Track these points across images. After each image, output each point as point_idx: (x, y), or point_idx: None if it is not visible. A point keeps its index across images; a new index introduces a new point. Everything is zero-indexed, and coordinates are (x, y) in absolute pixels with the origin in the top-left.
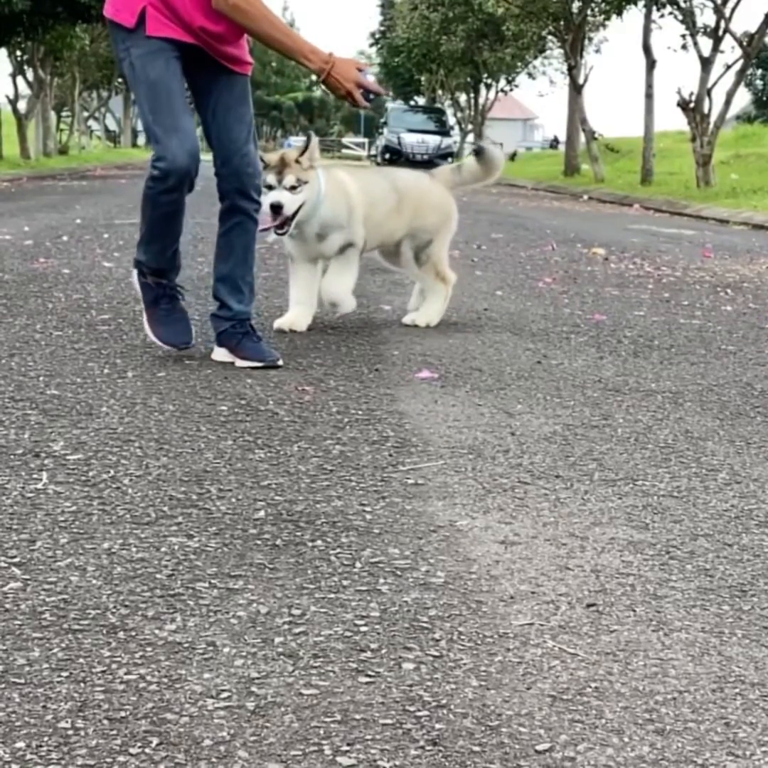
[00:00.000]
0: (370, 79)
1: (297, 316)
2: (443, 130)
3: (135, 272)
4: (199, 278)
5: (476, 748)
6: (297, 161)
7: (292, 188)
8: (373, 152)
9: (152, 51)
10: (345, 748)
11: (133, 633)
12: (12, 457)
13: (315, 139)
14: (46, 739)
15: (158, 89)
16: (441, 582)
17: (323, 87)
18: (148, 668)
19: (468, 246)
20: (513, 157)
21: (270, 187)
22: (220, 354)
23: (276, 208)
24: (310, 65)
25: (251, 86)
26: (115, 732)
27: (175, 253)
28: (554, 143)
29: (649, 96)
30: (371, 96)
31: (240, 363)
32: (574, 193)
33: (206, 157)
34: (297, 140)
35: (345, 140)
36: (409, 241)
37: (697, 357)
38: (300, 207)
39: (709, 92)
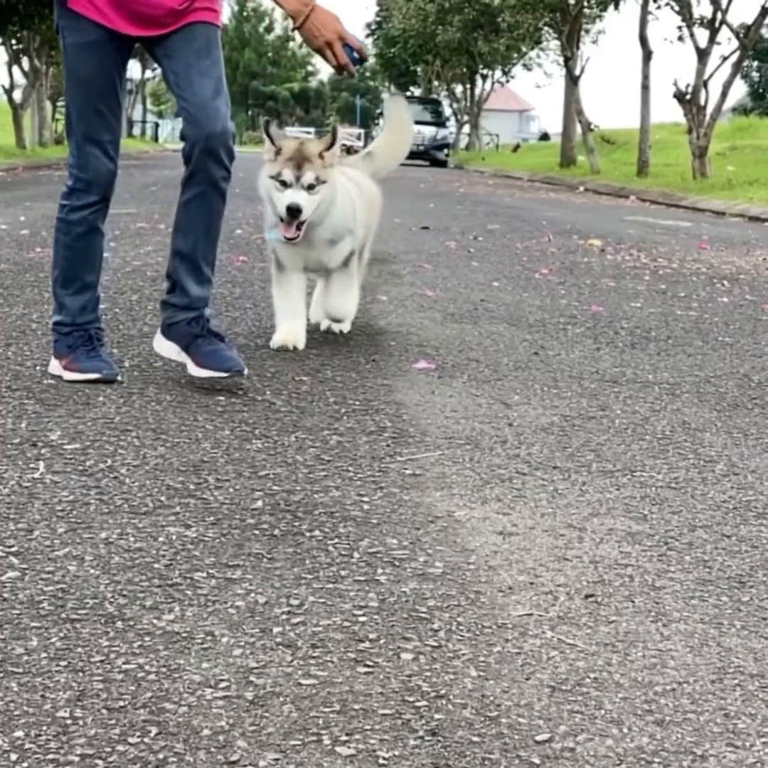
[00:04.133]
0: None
1: (298, 332)
2: (439, 121)
3: (53, 361)
4: None
5: (475, 739)
6: (320, 156)
7: (310, 187)
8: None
9: (85, 43)
10: (344, 738)
11: (132, 623)
12: (9, 446)
13: (340, 134)
14: (44, 728)
15: (87, 89)
16: (439, 572)
17: (299, 36)
18: (147, 658)
19: (464, 237)
20: (516, 148)
21: (284, 184)
22: (167, 348)
23: (294, 212)
24: (286, 5)
25: (247, 77)
26: (113, 721)
27: (96, 306)
28: (544, 137)
29: (645, 87)
30: (355, 54)
31: (197, 372)
32: (570, 184)
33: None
34: (293, 131)
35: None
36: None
37: (694, 348)
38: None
39: (705, 84)
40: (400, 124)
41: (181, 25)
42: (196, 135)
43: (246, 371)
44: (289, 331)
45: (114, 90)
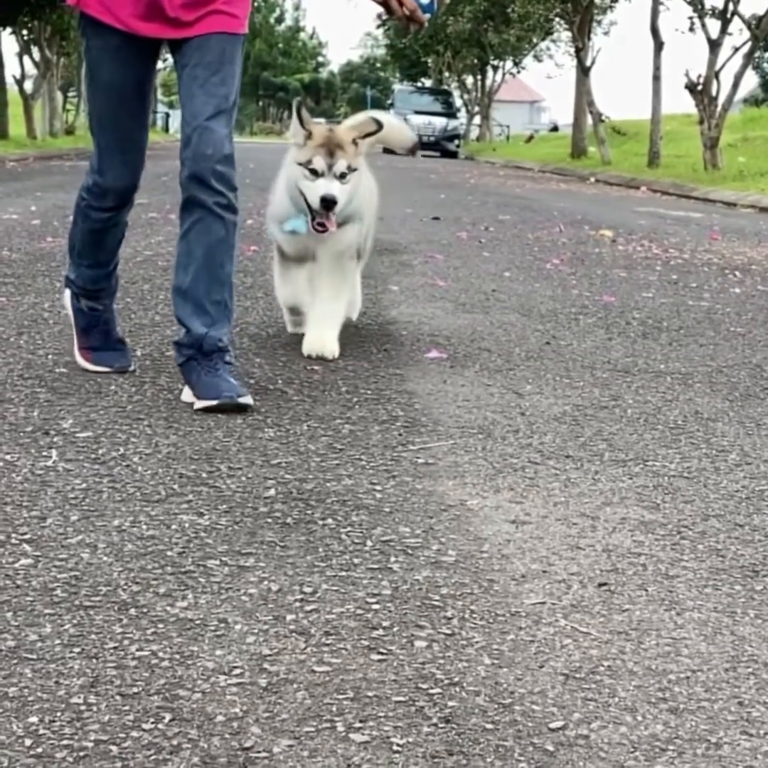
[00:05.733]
0: None
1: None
2: (450, 112)
3: (67, 292)
4: None
5: (489, 726)
6: (353, 143)
7: (342, 176)
8: None
9: (108, 47)
10: (358, 724)
11: (145, 610)
12: (21, 434)
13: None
14: (58, 714)
15: (109, 95)
16: (452, 561)
17: None
18: (160, 645)
19: (475, 227)
20: (529, 139)
21: (315, 172)
22: (188, 394)
23: (330, 204)
24: None
25: (257, 67)
26: (127, 707)
27: (110, 276)
28: (554, 129)
29: (656, 78)
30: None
31: (198, 405)
32: (581, 175)
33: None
34: None
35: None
36: None
37: (706, 339)
38: None
39: (717, 75)
40: (396, 135)
41: (200, 34)
42: (185, 156)
43: (246, 400)
44: (318, 338)
45: (138, 97)
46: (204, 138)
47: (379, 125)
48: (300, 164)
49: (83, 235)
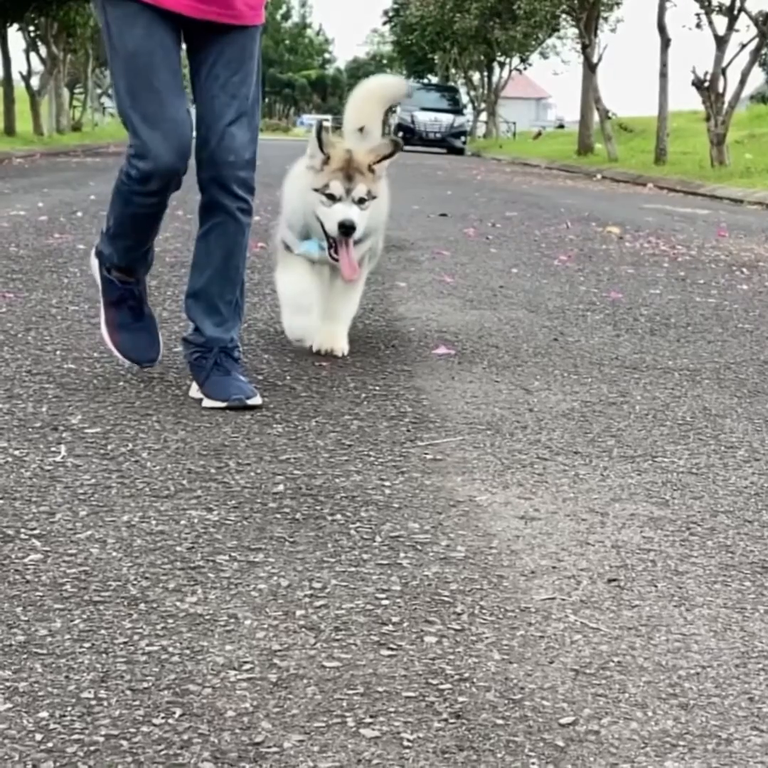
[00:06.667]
0: None
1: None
2: (456, 109)
3: (96, 262)
4: None
5: (500, 722)
6: (370, 169)
7: (361, 201)
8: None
9: (131, 12)
10: (368, 720)
11: (155, 605)
12: (30, 430)
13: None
14: (69, 708)
15: (137, 63)
16: (461, 556)
17: None
18: (170, 640)
19: (482, 224)
20: (537, 136)
21: (332, 197)
22: (196, 390)
23: (348, 230)
24: None
25: (264, 64)
26: (137, 702)
27: (147, 253)
28: (560, 126)
29: (663, 75)
30: None
31: (206, 403)
32: (587, 172)
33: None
34: (310, 118)
35: None
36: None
37: (714, 335)
38: None
39: (723, 71)
40: (394, 93)
41: (221, 23)
42: (206, 162)
43: (255, 401)
44: (329, 335)
45: (169, 61)
46: (225, 144)
47: (396, 146)
48: (316, 190)
49: (123, 220)
